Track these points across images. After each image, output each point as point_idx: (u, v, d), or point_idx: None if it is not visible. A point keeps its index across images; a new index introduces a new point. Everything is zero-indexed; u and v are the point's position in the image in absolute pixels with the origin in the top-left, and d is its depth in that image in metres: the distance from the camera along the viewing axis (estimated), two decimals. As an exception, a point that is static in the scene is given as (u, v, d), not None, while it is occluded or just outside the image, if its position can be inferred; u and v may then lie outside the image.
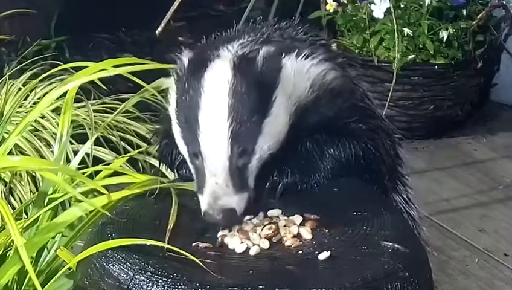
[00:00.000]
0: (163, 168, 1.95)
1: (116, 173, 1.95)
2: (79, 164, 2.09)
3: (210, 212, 1.63)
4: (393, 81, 3.72)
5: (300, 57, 1.79)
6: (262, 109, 1.67)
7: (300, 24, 1.96)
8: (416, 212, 2.05)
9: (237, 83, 1.65)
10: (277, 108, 1.69)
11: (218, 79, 1.67)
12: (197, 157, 1.68)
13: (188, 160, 1.74)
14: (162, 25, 3.65)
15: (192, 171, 1.72)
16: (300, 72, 1.78)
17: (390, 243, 1.60)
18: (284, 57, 1.74)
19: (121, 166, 2.06)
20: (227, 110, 1.64)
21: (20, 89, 3.26)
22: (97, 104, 3.33)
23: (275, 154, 1.74)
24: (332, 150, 1.82)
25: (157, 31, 3.65)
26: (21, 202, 2.85)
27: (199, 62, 1.71)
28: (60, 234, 1.89)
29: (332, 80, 1.85)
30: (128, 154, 2.52)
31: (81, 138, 3.01)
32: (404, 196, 2.03)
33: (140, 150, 2.97)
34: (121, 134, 3.24)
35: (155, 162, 2.91)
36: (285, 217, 1.69)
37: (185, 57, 1.74)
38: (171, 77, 1.80)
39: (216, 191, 1.64)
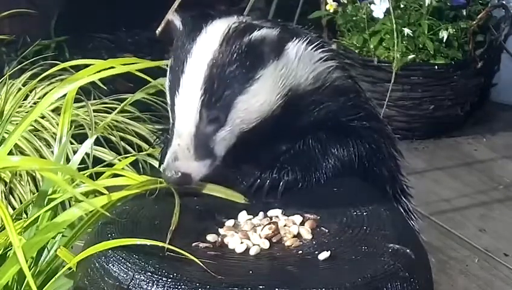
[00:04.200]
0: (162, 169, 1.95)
1: (115, 174, 1.94)
2: (80, 165, 2.09)
3: (166, 172, 1.68)
4: (392, 81, 3.72)
5: (310, 48, 1.80)
6: (239, 84, 1.70)
7: (304, 27, 1.96)
8: (416, 222, 2.04)
9: (220, 53, 1.69)
10: (259, 87, 1.71)
11: (204, 46, 1.70)
12: (173, 116, 1.72)
13: (170, 116, 1.77)
14: (162, 25, 3.65)
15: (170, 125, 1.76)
16: (307, 61, 1.80)
17: (392, 244, 1.60)
18: (292, 41, 1.76)
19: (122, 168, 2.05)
20: (202, 78, 1.68)
21: (20, 89, 3.26)
22: (97, 104, 3.33)
23: (276, 150, 1.74)
24: (335, 149, 1.82)
25: (157, 31, 3.64)
26: (21, 202, 2.85)
27: (194, 28, 1.75)
28: (60, 234, 1.88)
29: (338, 78, 1.85)
30: (132, 155, 2.52)
31: (81, 138, 3.00)
32: (405, 206, 2.02)
33: (145, 152, 2.97)
34: (121, 134, 3.24)
35: (155, 163, 2.91)
36: (285, 217, 1.69)
37: (177, 20, 1.79)
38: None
39: (176, 152, 1.68)
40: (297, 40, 1.78)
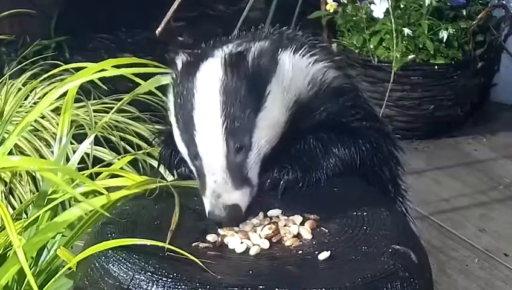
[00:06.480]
0: (162, 169, 1.95)
1: (114, 174, 1.94)
2: (80, 165, 2.09)
3: (214, 212, 1.64)
4: (391, 80, 3.72)
5: (299, 53, 1.80)
6: (255, 104, 1.68)
7: (300, 28, 1.96)
8: (414, 225, 2.03)
9: (228, 80, 1.66)
10: (271, 102, 1.70)
11: (210, 77, 1.68)
12: (196, 158, 1.69)
13: (189, 163, 1.74)
14: (162, 25, 3.64)
15: (194, 173, 1.73)
16: (299, 68, 1.79)
17: (392, 245, 1.60)
18: (281, 52, 1.75)
19: (121, 167, 2.06)
20: (219, 107, 1.65)
21: (20, 89, 3.26)
22: (97, 104, 3.33)
23: (277, 151, 1.74)
24: (336, 149, 1.81)
25: (157, 31, 3.64)
26: (21, 202, 2.85)
27: (192, 63, 1.72)
28: (60, 234, 1.89)
29: (334, 78, 1.85)
30: (131, 154, 2.52)
31: (81, 138, 3.00)
32: (403, 208, 2.01)
33: (143, 151, 2.97)
34: (121, 134, 3.24)
35: (155, 163, 2.92)
36: (285, 217, 1.69)
37: (179, 60, 1.75)
38: (168, 75, 1.80)
39: (216, 189, 1.65)
40: (285, 49, 1.78)
